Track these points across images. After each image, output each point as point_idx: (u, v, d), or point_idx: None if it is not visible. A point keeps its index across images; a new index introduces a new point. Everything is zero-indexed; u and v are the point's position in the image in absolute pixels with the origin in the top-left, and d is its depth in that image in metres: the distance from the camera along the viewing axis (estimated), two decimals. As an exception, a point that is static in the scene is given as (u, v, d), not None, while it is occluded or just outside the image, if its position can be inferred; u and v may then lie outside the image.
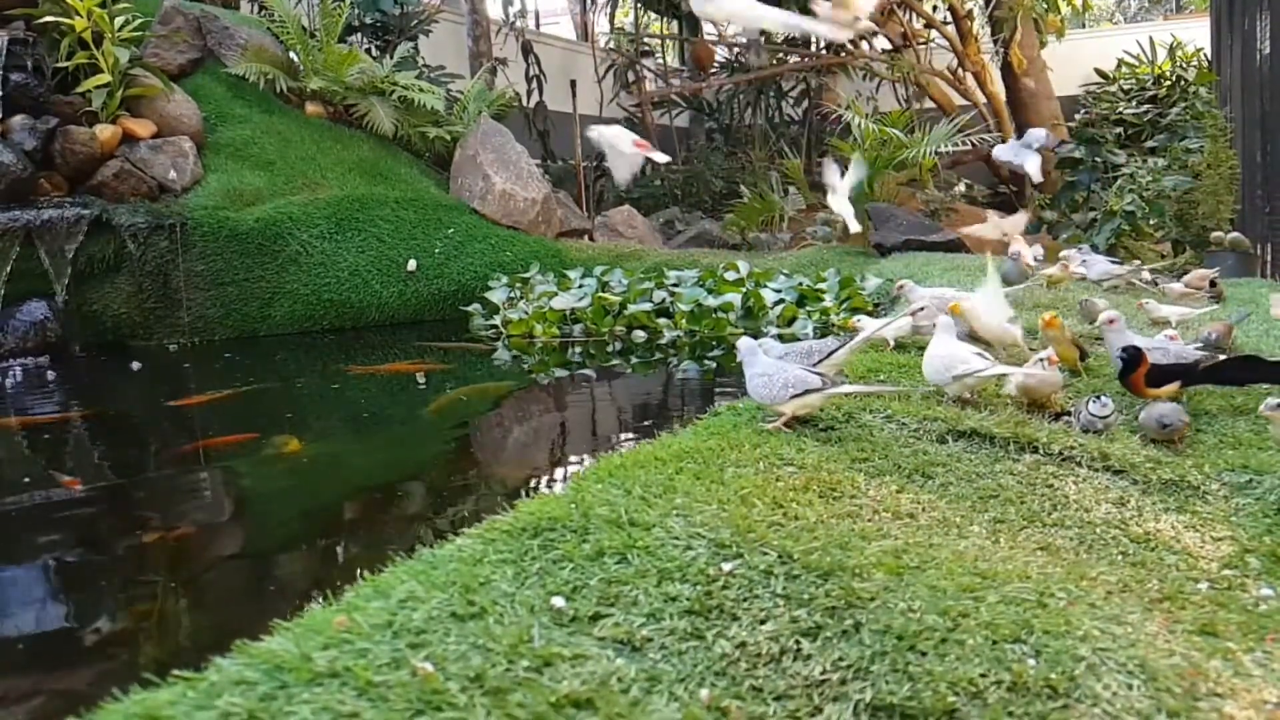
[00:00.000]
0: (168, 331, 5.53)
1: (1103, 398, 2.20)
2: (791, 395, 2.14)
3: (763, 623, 1.28)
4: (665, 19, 14.01)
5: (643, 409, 4.03)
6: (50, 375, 4.74)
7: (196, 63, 6.35)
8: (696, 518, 1.56)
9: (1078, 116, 8.01)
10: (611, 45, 12.51)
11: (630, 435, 3.53)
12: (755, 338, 4.88)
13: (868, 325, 2.88)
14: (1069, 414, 2.30)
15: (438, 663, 1.16)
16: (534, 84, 10.90)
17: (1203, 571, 1.58)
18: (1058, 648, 1.22)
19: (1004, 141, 9.19)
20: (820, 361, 2.55)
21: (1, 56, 5.40)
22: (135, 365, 4.98)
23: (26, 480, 3.07)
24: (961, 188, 10.23)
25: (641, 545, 1.45)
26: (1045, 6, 11.08)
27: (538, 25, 13.96)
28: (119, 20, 5.66)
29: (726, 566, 1.40)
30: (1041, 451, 2.07)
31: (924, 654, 1.20)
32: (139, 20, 5.85)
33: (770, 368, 2.22)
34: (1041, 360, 2.35)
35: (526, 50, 10.92)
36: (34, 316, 5.06)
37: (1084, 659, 1.20)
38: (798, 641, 1.24)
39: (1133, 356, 2.31)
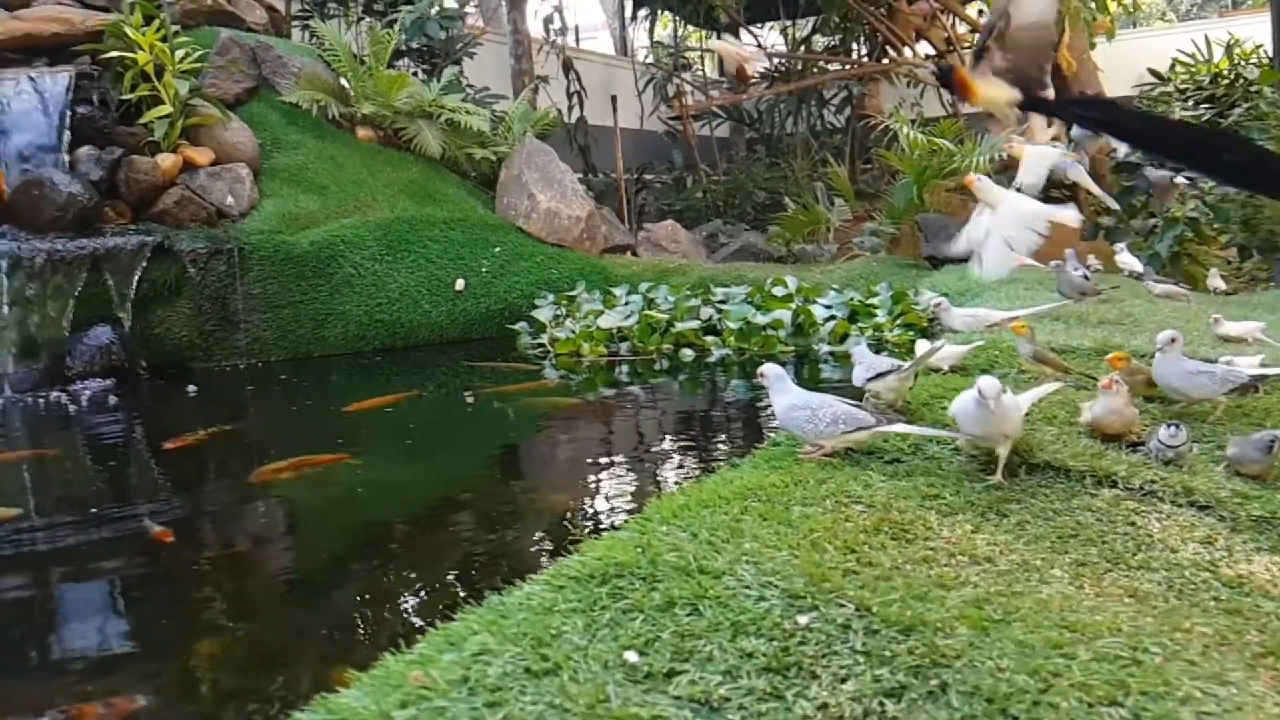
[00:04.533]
0: (226, 353, 5.64)
1: (1174, 425, 2.12)
2: (842, 432, 2.09)
3: (843, 682, 1.24)
4: (704, 31, 14.02)
5: (697, 430, 4.00)
6: (113, 399, 4.84)
7: (252, 91, 6.48)
8: (767, 565, 1.52)
9: (1133, 120, 7.80)
10: (650, 59, 12.53)
11: (685, 458, 3.50)
12: (803, 356, 4.84)
13: (920, 350, 2.82)
14: (1145, 444, 2.22)
15: (516, 726, 1.14)
16: (575, 100, 10.98)
17: (1303, 620, 1.50)
18: (1157, 711, 1.17)
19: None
20: (874, 379, 2.50)
21: (69, 91, 5.58)
22: (191, 389, 5.07)
23: (93, 511, 3.13)
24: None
25: (713, 595, 1.43)
26: (1095, 6, 10.87)
27: (577, 41, 14.05)
28: (179, 53, 5.80)
29: (802, 620, 1.36)
30: (1120, 486, 2.00)
31: (1016, 718, 1.16)
32: (198, 52, 6.00)
33: (812, 400, 2.14)
34: (1114, 380, 2.25)
35: (567, 67, 11.00)
36: (100, 341, 5.19)
37: (1186, 724, 1.15)
38: (881, 703, 1.20)
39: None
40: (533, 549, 2.69)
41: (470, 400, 4.77)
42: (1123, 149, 7.00)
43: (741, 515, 1.74)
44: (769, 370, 2.24)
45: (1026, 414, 2.14)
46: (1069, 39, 9.79)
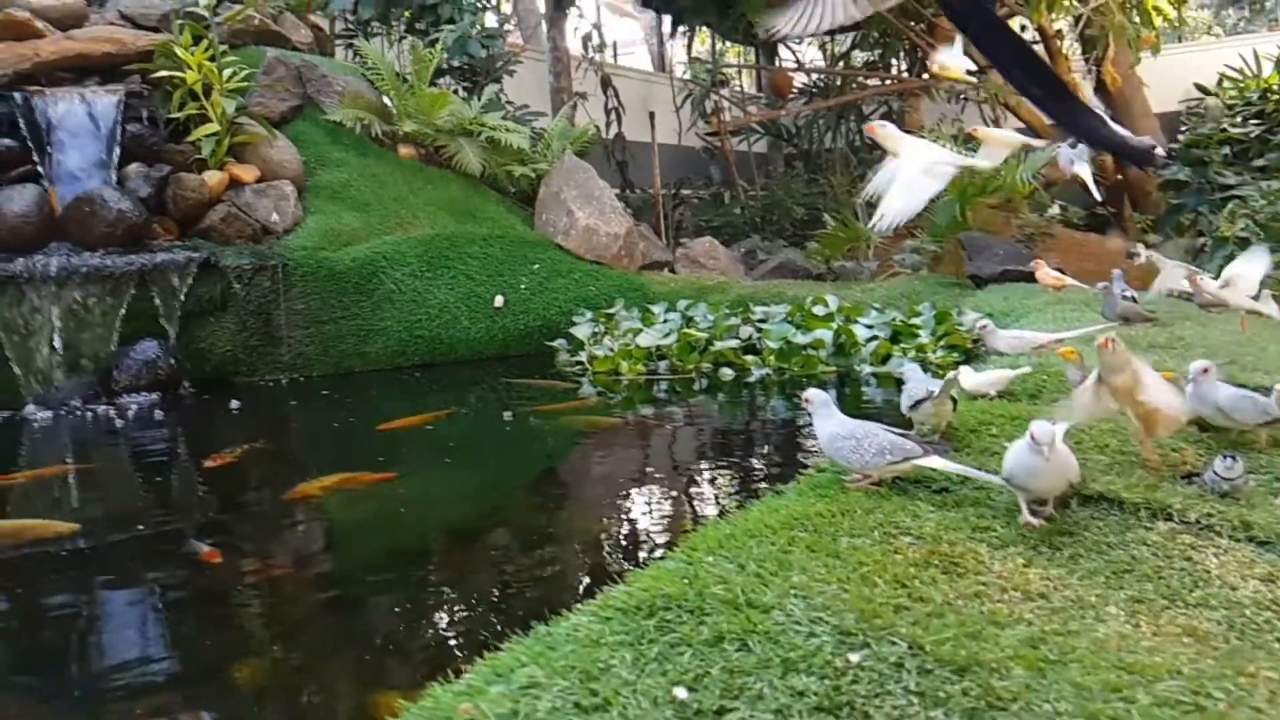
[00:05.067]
0: (269, 368, 5.72)
1: (1230, 456, 2.06)
2: (889, 462, 2.06)
3: (897, 723, 1.22)
4: (742, 46, 14.03)
5: (738, 452, 3.98)
6: (158, 414, 4.93)
7: (297, 109, 6.60)
8: (816, 599, 1.50)
9: (1180, 136, 7.69)
10: (688, 75, 12.57)
11: (727, 480, 3.48)
12: (844, 377, 4.79)
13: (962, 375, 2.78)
14: (1200, 476, 2.16)
15: (566, 763, 1.13)
16: (613, 116, 11.04)
17: (1373, 666, 1.45)
18: (1225, 763, 1.13)
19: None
20: (913, 408, 2.47)
21: (119, 109, 5.72)
22: (234, 404, 5.13)
23: (140, 528, 3.18)
24: (1056, 210, 9.92)
25: (762, 630, 1.41)
26: (1139, 21, 10.71)
27: (615, 56, 14.14)
28: (227, 72, 5.93)
29: (854, 657, 1.34)
30: (1176, 519, 1.95)
31: (1077, 767, 1.13)
32: (245, 71, 6.13)
33: (856, 430, 2.10)
34: (1110, 339, 2.21)
35: (605, 84, 11.07)
36: (146, 355, 5.29)
37: (1256, 777, 1.11)
38: (937, 747, 1.17)
39: None
40: (574, 572, 2.69)
41: (509, 417, 4.79)
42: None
43: (789, 546, 1.72)
44: (814, 396, 2.20)
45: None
46: (1113, 55, 9.67)
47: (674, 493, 3.37)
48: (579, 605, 1.54)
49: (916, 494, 2.06)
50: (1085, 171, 4.16)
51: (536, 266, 6.43)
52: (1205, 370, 2.34)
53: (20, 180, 5.49)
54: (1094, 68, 10.02)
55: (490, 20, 10.05)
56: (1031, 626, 1.48)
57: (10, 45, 5.74)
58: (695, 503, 3.24)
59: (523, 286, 6.32)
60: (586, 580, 2.55)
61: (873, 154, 11.73)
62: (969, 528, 1.88)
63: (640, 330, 5.50)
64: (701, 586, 1.53)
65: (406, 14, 8.36)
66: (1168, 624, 1.57)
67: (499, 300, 6.18)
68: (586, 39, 11.34)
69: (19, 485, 3.70)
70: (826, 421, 2.17)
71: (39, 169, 5.54)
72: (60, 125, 5.63)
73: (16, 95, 5.57)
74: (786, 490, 2.16)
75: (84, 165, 5.67)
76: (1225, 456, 2.06)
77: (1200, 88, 9.85)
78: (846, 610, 1.47)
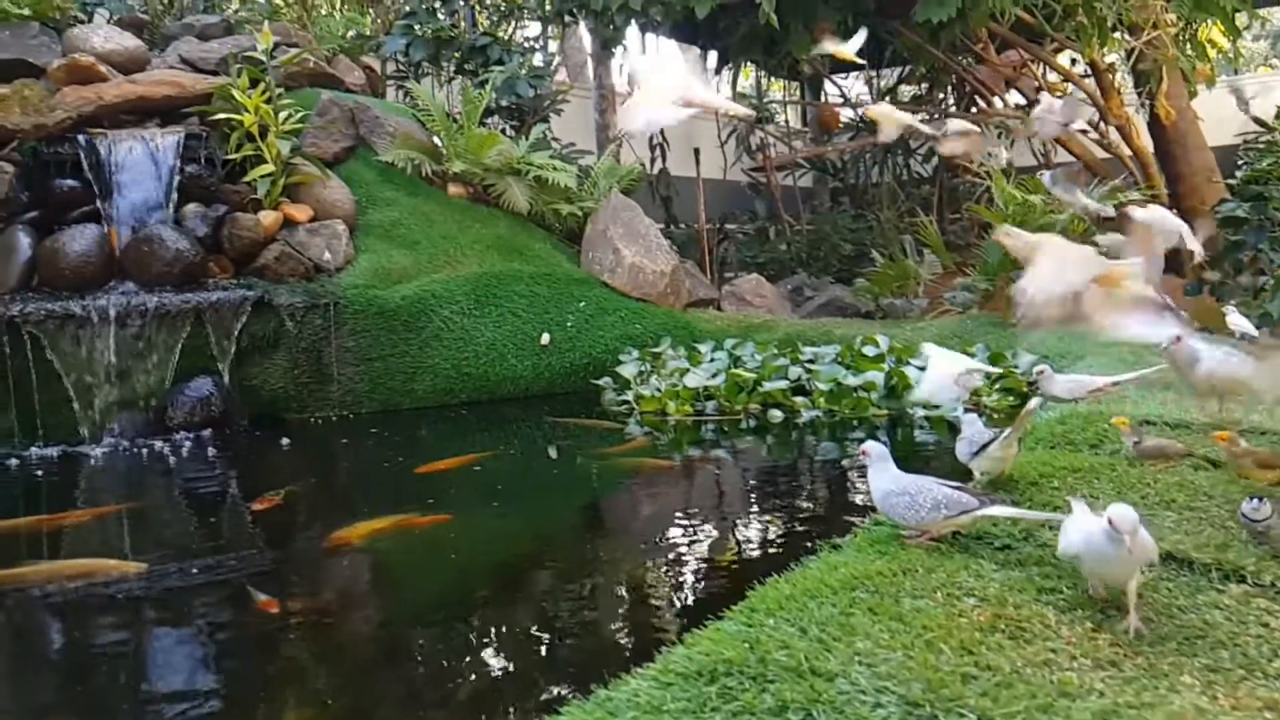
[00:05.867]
0: (319, 405, 5.80)
1: (1257, 498, 1.98)
2: (945, 517, 2.01)
3: (970, 805, 1.18)
4: (787, 82, 14.07)
5: (791, 498, 3.92)
6: (211, 451, 5.00)
7: (350, 150, 6.75)
8: (881, 667, 1.47)
9: (1238, 173, 7.53)
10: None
11: (781, 528, 3.44)
12: (896, 420, 4.73)
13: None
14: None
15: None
16: (657, 151, 11.12)
17: None
18: None
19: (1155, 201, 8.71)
20: (976, 455, 2.43)
21: (178, 150, 5.89)
22: (285, 441, 5.19)
23: (195, 572, 3.22)
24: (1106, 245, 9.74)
25: (827, 699, 1.38)
26: (1193, 54, 10.56)
27: (661, 92, 14.23)
28: (282, 114, 6.09)
29: (922, 732, 1.31)
30: (1250, 581, 1.88)
31: None
32: (300, 113, 6.29)
33: (910, 486, 2.06)
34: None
35: (652, 120, 11.15)
36: (200, 392, 5.40)
37: None
38: (1013, 833, 1.13)
39: None
40: (627, 624, 2.67)
41: (555, 455, 4.79)
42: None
43: (850, 608, 1.69)
44: (871, 449, 2.17)
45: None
46: (1167, 88, 9.53)
47: (725, 540, 3.33)
48: (638, 669, 1.52)
49: (979, 551, 2.02)
50: (1080, 198, 4.08)
51: (583, 304, 6.46)
52: (1178, 339, 2.66)
53: (82, 220, 5.68)
54: (1147, 101, 9.88)
55: (538, 60, 10.22)
56: (1104, 698, 1.43)
57: (75, 88, 5.96)
58: (747, 551, 3.20)
59: (569, 324, 6.34)
60: (640, 633, 2.53)
61: (920, 189, 11.68)
62: (1034, 588, 1.82)
63: (687, 370, 5.48)
64: (763, 652, 1.51)
65: (456, 55, 8.53)
66: (1246, 696, 1.51)
67: (545, 338, 6.21)
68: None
69: (73, 523, 3.77)
70: (881, 476, 2.14)
71: (100, 209, 5.72)
72: (121, 166, 5.81)
73: (80, 137, 5.77)
74: (844, 545, 2.12)
75: (143, 205, 5.84)
76: (1252, 498, 2.00)
77: (1258, 121, 9.66)
78: (913, 679, 1.43)
